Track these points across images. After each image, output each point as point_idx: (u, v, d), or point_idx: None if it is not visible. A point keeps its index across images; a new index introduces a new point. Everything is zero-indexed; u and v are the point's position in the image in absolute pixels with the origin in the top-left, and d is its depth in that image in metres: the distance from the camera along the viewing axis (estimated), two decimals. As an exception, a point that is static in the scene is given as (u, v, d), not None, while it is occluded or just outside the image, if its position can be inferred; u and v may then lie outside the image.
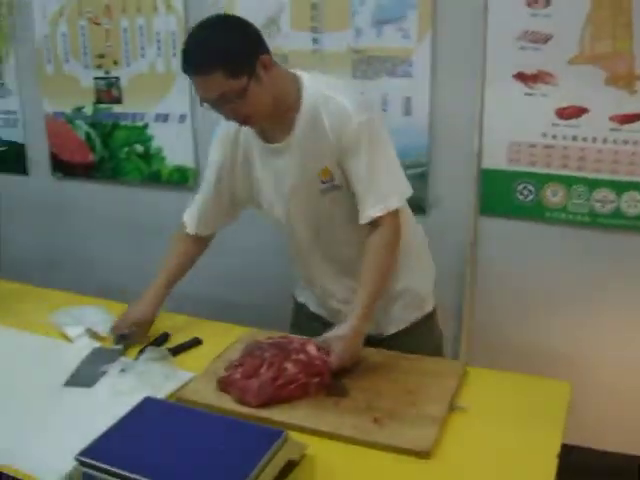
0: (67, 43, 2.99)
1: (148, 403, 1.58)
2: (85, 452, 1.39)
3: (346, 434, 1.55)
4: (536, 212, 2.39)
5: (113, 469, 1.35)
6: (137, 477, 1.32)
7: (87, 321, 2.13)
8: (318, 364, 1.71)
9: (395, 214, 1.76)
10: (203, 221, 2.05)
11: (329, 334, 1.77)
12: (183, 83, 2.81)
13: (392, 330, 2.00)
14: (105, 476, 1.36)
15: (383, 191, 1.73)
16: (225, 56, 1.58)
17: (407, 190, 1.81)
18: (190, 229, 2.06)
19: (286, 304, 2.23)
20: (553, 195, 2.35)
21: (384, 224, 1.74)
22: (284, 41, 2.50)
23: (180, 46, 2.65)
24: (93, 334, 2.08)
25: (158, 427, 1.49)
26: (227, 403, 1.68)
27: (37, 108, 3.19)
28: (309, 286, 2.07)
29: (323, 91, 1.73)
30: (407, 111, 2.45)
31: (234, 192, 1.96)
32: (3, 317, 2.18)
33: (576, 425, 1.73)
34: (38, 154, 3.29)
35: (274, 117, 1.73)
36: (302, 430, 1.58)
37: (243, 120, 1.71)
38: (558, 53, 2.19)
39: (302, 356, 1.73)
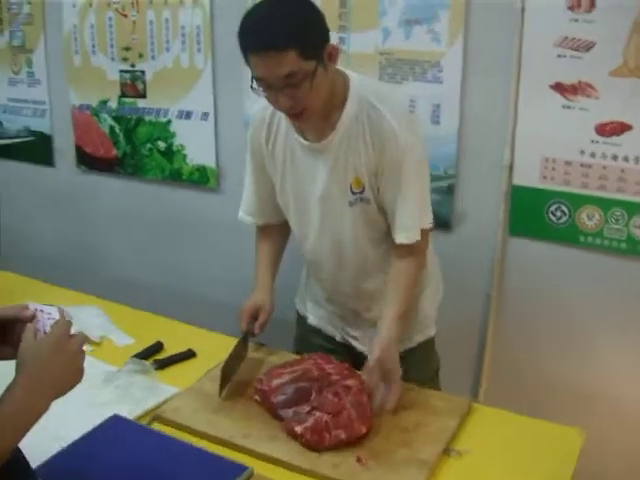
0: (95, 34, 2.92)
1: (115, 422, 1.50)
2: (37, 471, 1.30)
3: (323, 472, 1.42)
4: (569, 236, 2.19)
5: (60, 493, 1.26)
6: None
7: (81, 323, 2.03)
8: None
9: (423, 241, 1.73)
10: (263, 212, 1.92)
11: (373, 362, 1.65)
12: (207, 79, 2.71)
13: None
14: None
15: (413, 219, 1.70)
16: (303, 34, 1.48)
17: (430, 221, 1.77)
18: (257, 222, 1.95)
19: (288, 314, 2.12)
20: (589, 218, 2.15)
21: (410, 252, 1.72)
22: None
23: (205, 41, 2.65)
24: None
25: (119, 449, 1.43)
26: (205, 426, 1.57)
27: (64, 99, 3.13)
28: (322, 299, 1.97)
29: (370, 99, 1.63)
30: (435, 119, 2.28)
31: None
32: (1, 313, 2.11)
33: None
34: (64, 146, 3.23)
35: (319, 115, 1.63)
36: (278, 463, 1.45)
37: (298, 112, 1.58)
38: (600, 63, 1.98)
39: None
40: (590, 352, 2.30)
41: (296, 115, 1.60)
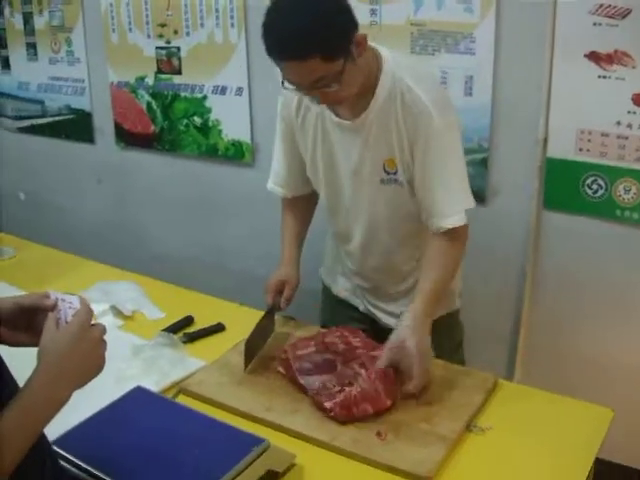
0: (131, 12, 2.94)
1: (137, 394, 1.52)
2: (58, 441, 1.34)
3: (341, 446, 1.42)
4: (606, 210, 2.13)
5: (80, 463, 1.30)
6: (101, 475, 1.26)
7: (115, 298, 2.08)
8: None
9: (466, 226, 1.68)
10: (293, 183, 1.91)
11: (394, 342, 1.58)
12: (241, 55, 2.71)
13: None
14: (73, 469, 1.30)
15: (458, 202, 1.67)
16: (323, 38, 1.44)
17: (472, 202, 1.71)
18: (286, 194, 1.93)
19: (314, 285, 2.11)
20: (626, 192, 2.09)
21: (456, 235, 1.67)
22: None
23: (238, 16, 2.64)
24: (118, 312, 2.03)
25: (139, 420, 1.43)
26: (228, 399, 1.59)
27: (103, 77, 3.16)
28: (349, 271, 1.96)
29: (404, 78, 1.60)
30: (468, 91, 2.24)
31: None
32: (40, 287, 2.14)
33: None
34: (104, 123, 3.28)
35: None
36: (298, 436, 1.46)
37: (334, 104, 1.61)
38: (637, 30, 1.91)
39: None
40: (630, 329, 2.25)
41: (330, 105, 1.62)
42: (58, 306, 1.09)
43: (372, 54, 1.61)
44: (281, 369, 1.66)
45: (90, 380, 1.07)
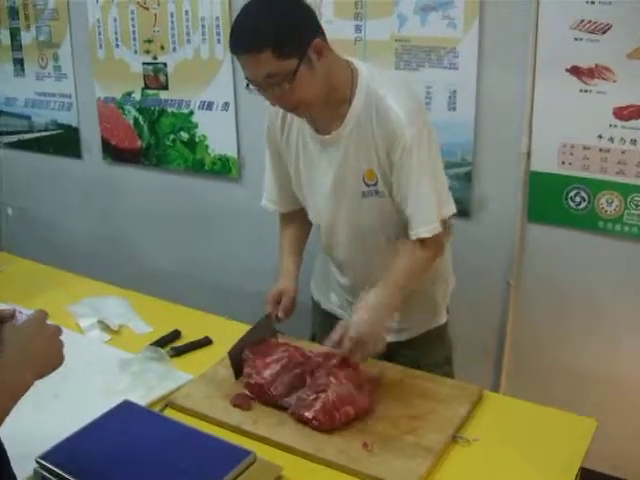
0: (118, 28, 2.96)
1: (125, 407, 1.52)
2: (46, 455, 1.35)
3: (327, 457, 1.42)
4: (589, 222, 2.16)
5: (68, 477, 1.30)
6: (88, 489, 1.26)
7: (102, 313, 2.09)
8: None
9: (440, 234, 1.67)
10: (286, 200, 1.92)
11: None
12: (227, 70, 2.74)
13: (405, 337, 1.92)
14: (60, 483, 1.30)
15: (431, 211, 1.65)
16: (276, 33, 1.48)
17: (452, 209, 1.72)
18: (279, 210, 1.95)
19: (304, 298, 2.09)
20: (608, 204, 2.12)
21: (429, 244, 1.67)
22: (326, 28, 2.34)
23: (224, 32, 2.66)
24: (105, 327, 2.03)
25: (127, 434, 1.43)
26: (215, 412, 1.59)
27: (90, 92, 3.19)
28: (337, 284, 1.97)
29: (378, 90, 1.62)
30: (452, 106, 2.27)
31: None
32: (27, 302, 2.15)
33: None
34: (90, 138, 3.30)
35: (326, 107, 1.63)
36: (285, 449, 1.47)
37: (290, 108, 1.61)
38: (617, 45, 1.95)
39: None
40: (613, 340, 2.27)
41: (291, 110, 1.63)
42: (16, 317, 1.16)
43: (346, 67, 1.64)
44: (248, 392, 1.64)
45: (51, 371, 1.13)
